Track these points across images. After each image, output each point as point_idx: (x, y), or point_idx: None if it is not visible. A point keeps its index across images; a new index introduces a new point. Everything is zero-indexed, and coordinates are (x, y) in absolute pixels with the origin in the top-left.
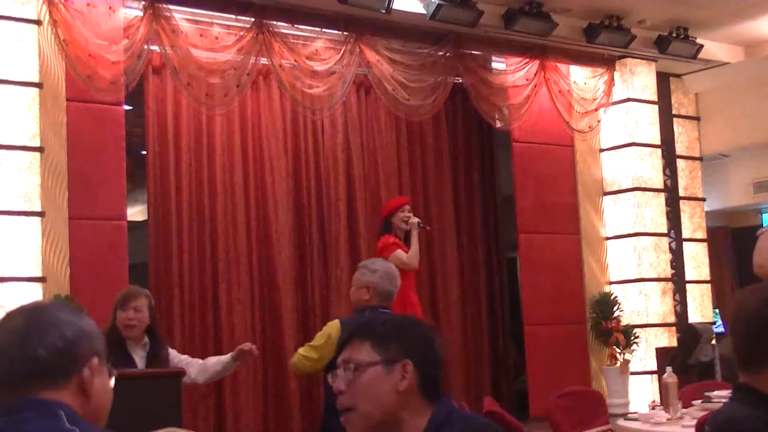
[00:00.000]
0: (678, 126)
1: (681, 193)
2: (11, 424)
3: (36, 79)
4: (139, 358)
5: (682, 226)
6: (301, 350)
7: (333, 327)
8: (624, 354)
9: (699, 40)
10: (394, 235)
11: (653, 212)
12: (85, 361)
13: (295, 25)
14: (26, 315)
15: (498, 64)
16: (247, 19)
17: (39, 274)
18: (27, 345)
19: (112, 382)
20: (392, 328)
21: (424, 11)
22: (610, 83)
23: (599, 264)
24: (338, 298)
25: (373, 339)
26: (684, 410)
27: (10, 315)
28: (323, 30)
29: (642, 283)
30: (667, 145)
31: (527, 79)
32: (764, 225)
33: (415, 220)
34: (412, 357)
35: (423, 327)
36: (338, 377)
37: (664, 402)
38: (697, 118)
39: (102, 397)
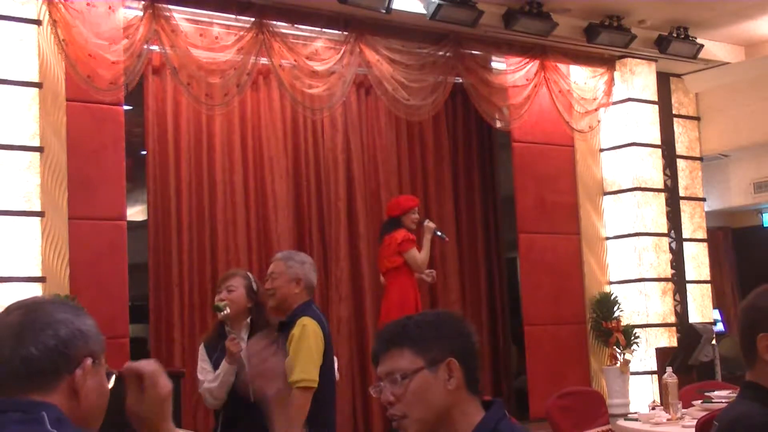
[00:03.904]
0: (678, 126)
1: (681, 193)
2: None
3: (36, 79)
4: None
5: (683, 226)
6: (304, 374)
7: (313, 328)
8: (624, 354)
9: (699, 40)
10: (408, 232)
11: (653, 212)
12: (78, 361)
13: (295, 25)
14: (23, 312)
15: (498, 64)
16: (247, 19)
17: (39, 274)
18: (19, 343)
19: (111, 383)
20: (427, 328)
21: (424, 11)
22: (610, 83)
23: (599, 264)
24: (338, 298)
25: (411, 344)
26: (684, 410)
27: (9, 310)
28: (323, 30)
29: (642, 283)
30: (667, 145)
31: (527, 79)
32: (765, 225)
33: (432, 225)
34: (453, 353)
35: (455, 319)
36: (384, 389)
37: (664, 402)
38: (697, 118)
39: (94, 400)
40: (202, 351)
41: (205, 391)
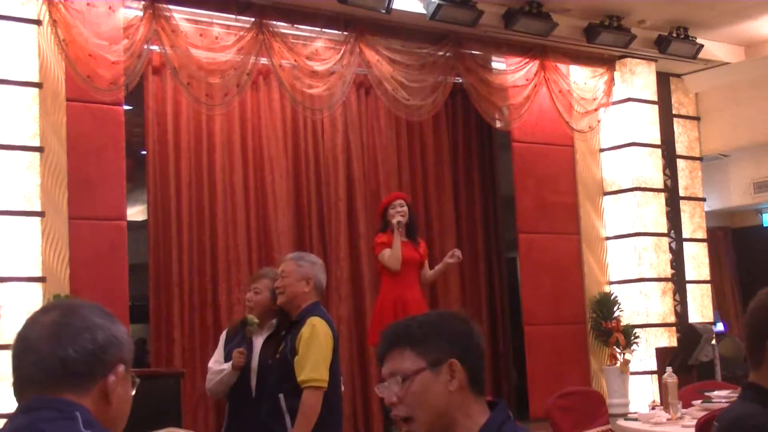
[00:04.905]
0: (678, 126)
1: (681, 193)
2: (27, 423)
3: (36, 79)
4: (259, 342)
5: (682, 226)
6: (314, 374)
7: (323, 329)
8: (624, 354)
9: (699, 40)
10: (390, 232)
11: (653, 212)
12: (112, 367)
13: (295, 25)
14: (60, 312)
15: (498, 64)
16: (247, 19)
17: (39, 274)
18: (58, 343)
19: (133, 392)
20: (430, 329)
21: (424, 11)
22: (610, 83)
23: (599, 264)
24: (338, 298)
25: (413, 345)
26: (684, 410)
27: (45, 309)
28: (323, 30)
29: (642, 283)
30: (667, 145)
31: (527, 79)
32: (765, 225)
33: (395, 220)
34: (456, 354)
35: (459, 320)
36: (387, 390)
37: (664, 402)
38: (697, 118)
39: (121, 407)
40: (222, 337)
41: (208, 379)
